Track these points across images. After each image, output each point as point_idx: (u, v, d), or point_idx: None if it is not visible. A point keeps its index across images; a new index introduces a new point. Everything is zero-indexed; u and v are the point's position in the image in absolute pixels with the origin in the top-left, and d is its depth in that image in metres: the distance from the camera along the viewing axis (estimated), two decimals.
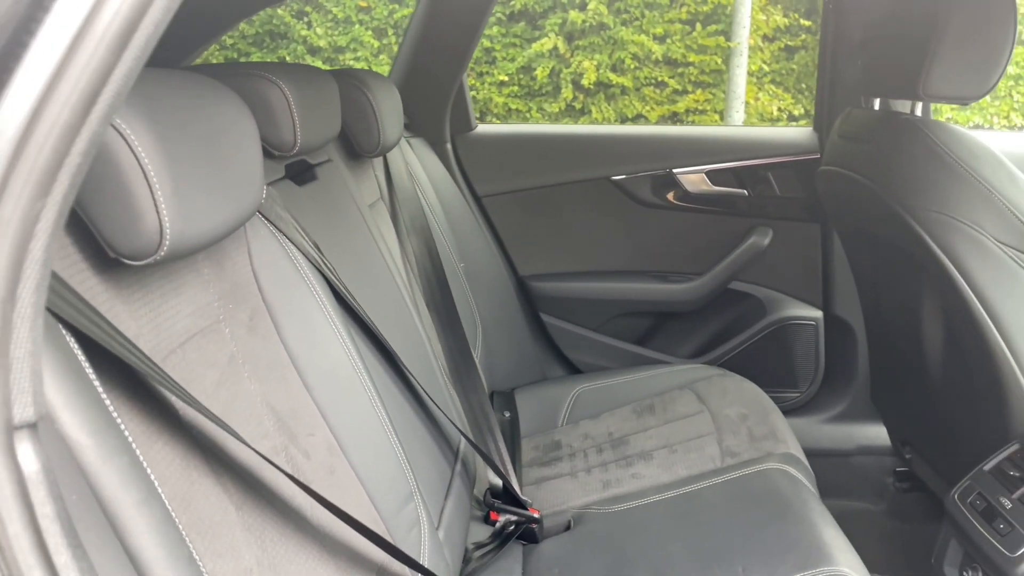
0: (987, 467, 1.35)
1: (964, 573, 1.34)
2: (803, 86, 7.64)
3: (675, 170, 2.04)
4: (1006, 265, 1.30)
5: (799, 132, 2.08)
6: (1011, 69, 7.48)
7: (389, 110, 1.47)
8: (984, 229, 1.30)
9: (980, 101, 6.84)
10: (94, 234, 0.62)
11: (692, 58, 7.32)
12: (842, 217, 1.77)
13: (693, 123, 7.41)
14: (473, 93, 7.30)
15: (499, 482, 1.42)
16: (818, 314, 2.06)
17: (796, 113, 7.41)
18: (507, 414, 1.80)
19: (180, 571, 0.53)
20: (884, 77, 1.50)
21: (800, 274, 2.05)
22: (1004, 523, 1.26)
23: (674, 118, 7.47)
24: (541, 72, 7.20)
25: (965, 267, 1.31)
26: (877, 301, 1.80)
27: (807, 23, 7.46)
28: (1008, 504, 1.27)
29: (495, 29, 7.26)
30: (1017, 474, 1.29)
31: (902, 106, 1.61)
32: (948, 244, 1.31)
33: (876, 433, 2.01)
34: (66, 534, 0.37)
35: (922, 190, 1.34)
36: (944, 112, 7.27)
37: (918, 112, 1.53)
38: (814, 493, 1.36)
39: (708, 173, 2.03)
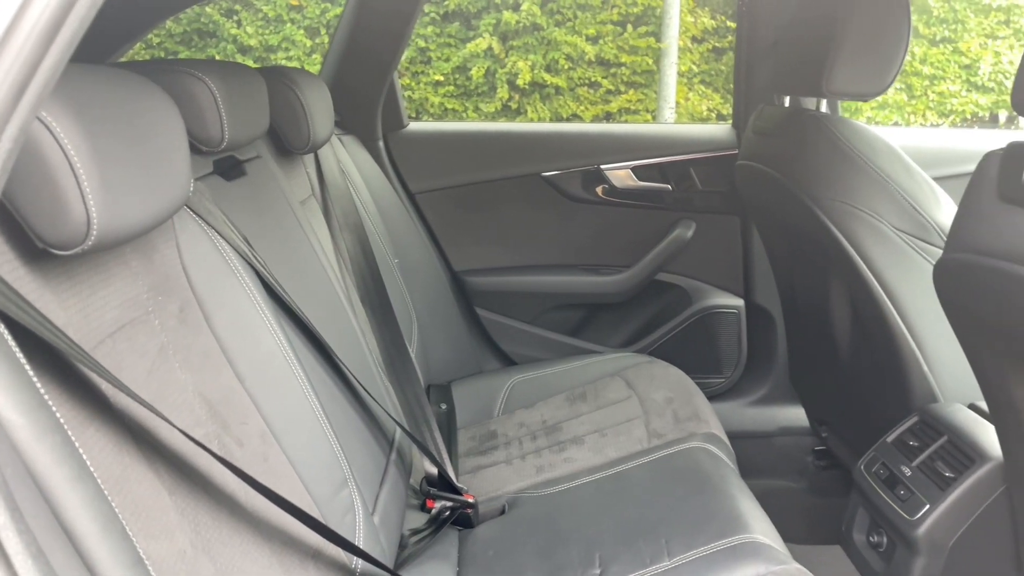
0: (890, 439, 1.45)
1: (870, 538, 1.44)
2: (731, 86, 7.85)
3: (603, 166, 2.11)
4: (902, 250, 1.40)
5: (719, 129, 2.18)
6: (926, 70, 7.87)
7: (319, 107, 1.49)
8: (882, 217, 1.40)
9: (899, 101, 7.11)
10: (22, 225, 0.63)
11: (624, 59, 7.47)
12: (758, 209, 1.87)
13: (626, 122, 7.56)
14: (409, 93, 7.30)
15: (435, 471, 1.45)
16: (739, 303, 2.16)
17: (725, 112, 7.64)
18: (443, 406, 1.83)
19: (114, 545, 0.55)
20: (792, 76, 1.60)
21: (722, 265, 2.15)
22: (904, 490, 1.36)
23: (608, 118, 7.62)
24: (476, 72, 7.25)
25: (866, 253, 1.40)
26: (792, 289, 1.90)
27: (734, 25, 7.68)
28: (908, 472, 1.37)
29: (429, 29, 7.27)
30: (916, 444, 1.39)
31: (810, 103, 1.71)
32: (850, 231, 1.40)
33: (796, 414, 2.11)
34: (4, 498, 0.40)
35: (826, 181, 1.44)
36: (864, 112, 7.61)
37: (824, 109, 1.63)
38: (733, 468, 1.44)
39: (634, 169, 2.11)
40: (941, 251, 1.36)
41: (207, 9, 7.10)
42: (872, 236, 1.40)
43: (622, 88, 7.60)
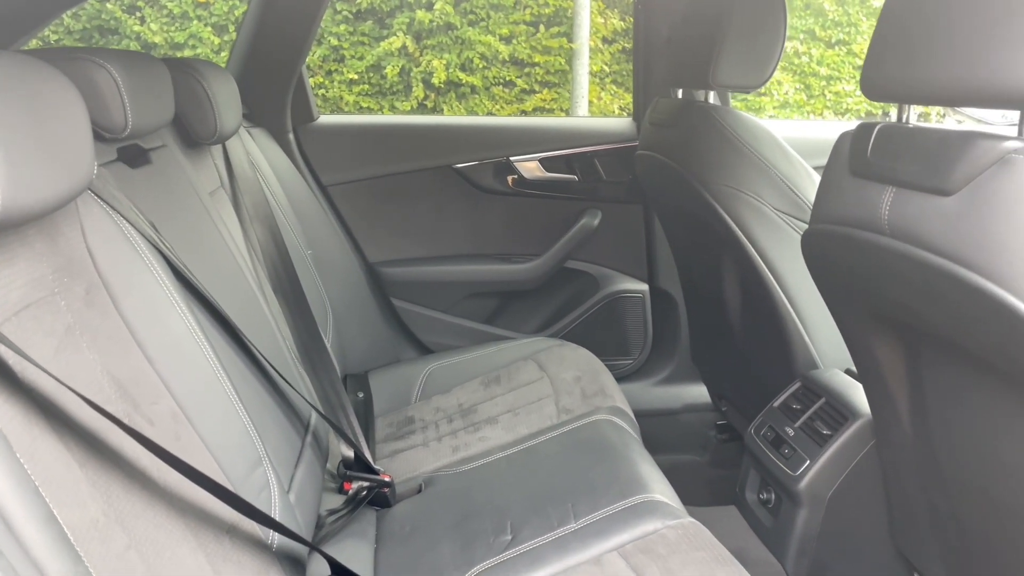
0: (776, 404, 1.57)
1: (760, 496, 1.56)
2: None
3: (512, 158, 2.18)
4: (782, 229, 1.52)
5: (620, 122, 2.28)
6: (823, 71, 8.28)
7: (225, 98, 1.50)
8: (763, 199, 1.52)
9: (799, 100, 7.45)
10: None
11: (537, 59, 7.59)
12: (657, 197, 1.98)
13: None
14: (322, 91, 7.21)
15: (351, 454, 1.48)
16: (644, 287, 2.27)
17: None
18: (361, 395, 1.86)
19: (27, 501, 0.57)
20: (683, 70, 1.70)
21: (627, 251, 2.25)
22: (788, 448, 1.47)
23: (523, 116, 7.73)
24: (391, 71, 7.22)
25: (750, 232, 1.52)
26: (691, 272, 2.02)
27: None
28: (791, 432, 1.49)
29: (342, 27, 7.20)
30: (798, 407, 1.51)
31: (701, 95, 1.82)
32: (736, 213, 1.51)
33: (698, 392, 2.24)
34: None
35: (714, 167, 1.54)
36: (767, 110, 7.96)
37: (712, 100, 1.74)
38: (636, 438, 1.52)
39: (542, 160, 2.19)
40: None
41: (108, 5, 6.83)
42: (755, 217, 1.51)
43: (536, 87, 7.72)
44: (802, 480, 1.40)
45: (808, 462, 1.41)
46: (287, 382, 1.32)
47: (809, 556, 1.41)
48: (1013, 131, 0.80)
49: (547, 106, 7.77)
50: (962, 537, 1.10)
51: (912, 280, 0.89)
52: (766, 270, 1.53)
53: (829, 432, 1.41)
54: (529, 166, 2.19)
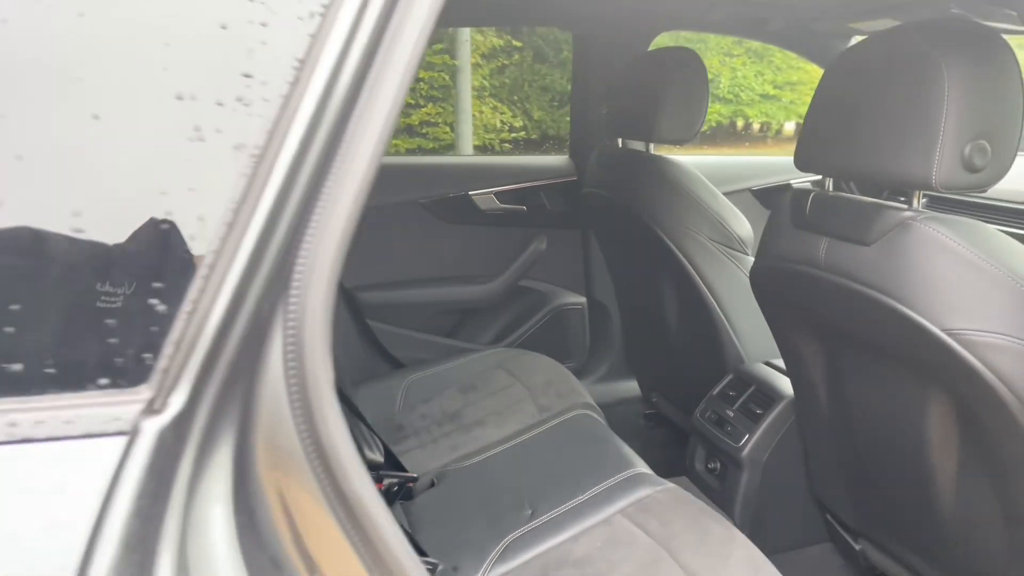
0: (715, 392, 1.97)
1: (708, 466, 1.95)
2: (515, 98, 8.55)
3: (470, 192, 2.49)
4: (716, 256, 1.92)
5: (560, 160, 2.64)
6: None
7: None
8: (702, 232, 1.91)
9: None
10: None
11: (422, 74, 7.84)
12: (602, 226, 2.34)
13: (427, 134, 7.95)
14: None
15: (376, 457, 1.72)
16: (583, 300, 2.64)
17: (517, 125, 8.30)
18: None
19: None
20: (626, 125, 2.07)
21: (569, 269, 2.61)
22: (730, 426, 1.88)
23: (409, 130, 7.96)
24: None
25: (692, 259, 1.90)
26: (626, 286, 2.40)
27: (518, 43, 8.38)
28: (731, 414, 1.89)
29: None
30: (734, 393, 1.92)
31: (638, 144, 2.20)
32: (681, 245, 1.90)
33: (628, 387, 2.61)
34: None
35: (658, 206, 1.92)
36: None
37: (651, 149, 2.13)
38: (608, 427, 1.87)
39: (496, 194, 2.51)
40: (743, 255, 1.91)
41: None
42: (696, 248, 1.91)
43: (421, 102, 7.98)
44: (744, 450, 1.81)
45: (748, 435, 1.81)
46: None
47: (752, 508, 1.81)
48: None
49: (432, 119, 8.05)
50: (865, 477, 1.52)
51: (842, 302, 1.28)
52: (703, 286, 1.93)
53: (761, 411, 1.83)
54: (485, 199, 2.51)
